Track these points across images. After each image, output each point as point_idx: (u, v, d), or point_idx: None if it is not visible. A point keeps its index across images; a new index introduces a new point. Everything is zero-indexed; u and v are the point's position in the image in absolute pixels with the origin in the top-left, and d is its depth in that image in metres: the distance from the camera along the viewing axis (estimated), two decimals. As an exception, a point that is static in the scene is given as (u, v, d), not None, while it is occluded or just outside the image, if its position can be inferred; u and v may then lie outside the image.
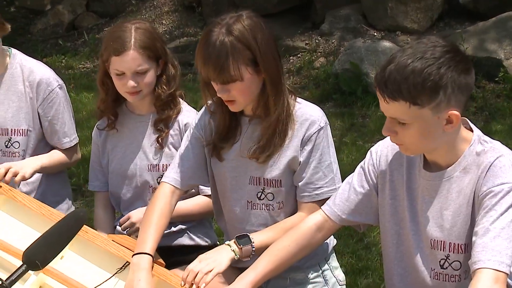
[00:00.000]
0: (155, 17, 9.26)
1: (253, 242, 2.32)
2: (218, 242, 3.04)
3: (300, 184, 2.42)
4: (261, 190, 2.46)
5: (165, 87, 2.75)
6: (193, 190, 2.80)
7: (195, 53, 2.35)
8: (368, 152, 2.28)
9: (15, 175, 2.72)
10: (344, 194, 2.25)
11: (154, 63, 2.71)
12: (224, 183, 2.51)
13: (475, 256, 1.91)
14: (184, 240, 2.86)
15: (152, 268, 2.32)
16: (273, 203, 2.46)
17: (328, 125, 2.46)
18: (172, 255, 2.66)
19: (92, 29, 9.50)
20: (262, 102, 2.37)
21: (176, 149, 2.77)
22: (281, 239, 2.27)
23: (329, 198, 2.34)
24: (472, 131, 2.08)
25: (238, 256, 2.29)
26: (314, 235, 2.25)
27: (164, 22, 9.17)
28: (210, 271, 2.21)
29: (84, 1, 9.89)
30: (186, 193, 2.65)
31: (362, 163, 2.27)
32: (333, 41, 7.86)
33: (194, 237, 2.87)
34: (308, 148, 2.40)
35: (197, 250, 2.83)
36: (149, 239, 2.37)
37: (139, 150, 2.83)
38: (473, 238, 1.95)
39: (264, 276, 2.21)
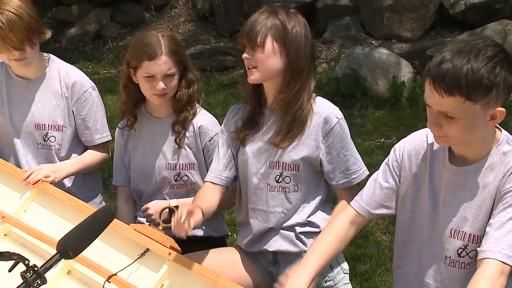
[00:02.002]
0: (173, 27, 9.27)
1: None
2: (229, 233, 3.04)
3: (336, 173, 2.46)
4: (279, 174, 2.46)
5: (184, 90, 2.75)
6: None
7: None
8: (392, 149, 2.24)
9: (47, 177, 2.73)
10: (370, 190, 2.22)
11: (178, 69, 2.72)
12: (247, 168, 2.53)
13: (486, 245, 1.89)
14: (198, 232, 2.85)
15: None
16: (289, 185, 2.47)
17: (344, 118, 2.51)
18: (186, 245, 2.65)
19: (115, 38, 9.53)
20: (281, 86, 2.42)
21: (191, 149, 2.79)
22: (322, 235, 2.23)
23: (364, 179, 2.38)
24: (501, 131, 2.04)
25: None
26: (348, 228, 2.21)
27: (180, 31, 9.18)
28: None
29: (108, 12, 9.92)
30: (227, 188, 2.61)
31: (386, 160, 2.24)
32: (335, 48, 7.85)
33: (207, 229, 2.87)
34: (330, 139, 2.44)
35: (209, 241, 2.84)
36: (204, 203, 2.43)
37: (158, 150, 2.82)
38: (487, 229, 1.92)
39: (316, 273, 2.12)
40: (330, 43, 7.93)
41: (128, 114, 2.84)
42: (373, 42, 7.73)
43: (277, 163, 2.46)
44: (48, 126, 2.93)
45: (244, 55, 2.42)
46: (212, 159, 2.67)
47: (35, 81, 2.93)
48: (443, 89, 1.86)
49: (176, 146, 2.78)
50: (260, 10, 2.45)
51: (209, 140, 2.77)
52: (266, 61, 2.39)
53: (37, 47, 2.85)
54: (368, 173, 2.50)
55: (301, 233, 2.50)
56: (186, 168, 2.80)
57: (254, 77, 2.42)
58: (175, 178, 2.81)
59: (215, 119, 2.85)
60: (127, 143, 2.90)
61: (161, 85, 2.67)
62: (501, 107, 1.91)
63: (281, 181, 2.47)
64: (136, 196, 2.93)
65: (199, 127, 2.78)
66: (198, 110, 2.81)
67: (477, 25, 7.12)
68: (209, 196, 2.52)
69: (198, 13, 9.19)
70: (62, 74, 2.93)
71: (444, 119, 1.92)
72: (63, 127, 2.94)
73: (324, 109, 2.46)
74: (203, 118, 2.80)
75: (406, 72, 6.76)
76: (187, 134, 2.79)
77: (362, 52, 7.00)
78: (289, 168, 2.45)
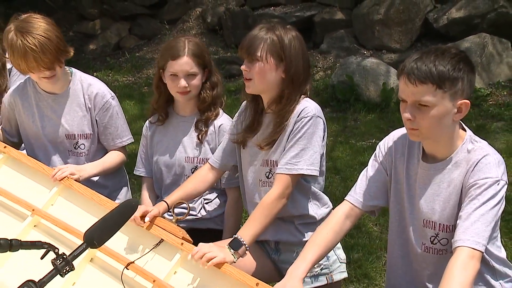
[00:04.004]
0: (185, 39, 9.27)
1: (243, 241, 2.27)
2: (240, 225, 3.04)
3: (279, 159, 2.40)
4: (269, 170, 2.46)
5: (209, 92, 2.78)
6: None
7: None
8: (377, 146, 2.25)
9: (73, 174, 2.73)
10: (362, 184, 2.22)
11: (201, 70, 2.74)
12: (245, 165, 2.54)
13: (457, 235, 1.91)
14: (211, 225, 2.86)
15: (161, 213, 2.49)
16: None
17: (319, 119, 2.38)
18: (202, 236, 2.66)
19: (133, 49, 9.53)
20: (277, 96, 2.40)
21: (209, 145, 2.81)
22: (320, 229, 2.21)
23: (300, 175, 2.36)
24: (465, 131, 2.07)
25: (236, 258, 2.24)
26: (344, 222, 2.20)
27: (192, 43, 9.17)
28: (214, 257, 2.17)
29: (127, 26, 9.93)
30: (223, 172, 2.68)
31: (373, 156, 2.25)
32: (330, 58, 7.85)
33: (219, 222, 2.87)
34: (294, 132, 2.38)
35: (219, 233, 2.84)
36: (174, 195, 2.56)
37: (180, 144, 2.83)
38: (457, 221, 1.95)
39: (313, 264, 2.13)
40: (327, 53, 7.92)
41: (160, 110, 2.87)
42: (365, 52, 7.72)
43: (267, 161, 2.45)
44: (78, 136, 2.93)
45: (242, 67, 2.40)
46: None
47: (61, 95, 2.92)
48: (417, 79, 1.92)
49: (198, 141, 2.80)
50: (259, 25, 2.41)
51: None
52: (263, 75, 2.36)
53: (63, 65, 2.84)
54: (314, 174, 2.39)
55: (299, 224, 2.50)
56: (203, 162, 2.80)
57: (250, 89, 2.41)
58: (191, 171, 2.81)
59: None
60: (153, 137, 2.91)
61: (182, 82, 2.70)
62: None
63: (270, 177, 2.46)
64: (156, 187, 2.93)
65: (220, 126, 2.79)
66: (220, 112, 2.83)
67: (458, 38, 7.11)
68: (200, 178, 2.61)
69: (208, 26, 9.19)
70: (84, 86, 2.93)
71: (417, 109, 1.96)
72: (91, 135, 2.95)
73: (301, 107, 2.39)
74: (224, 119, 2.82)
75: (395, 79, 6.74)
76: (209, 131, 2.80)
77: (355, 61, 6.99)
78: (276, 165, 2.42)
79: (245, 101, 2.60)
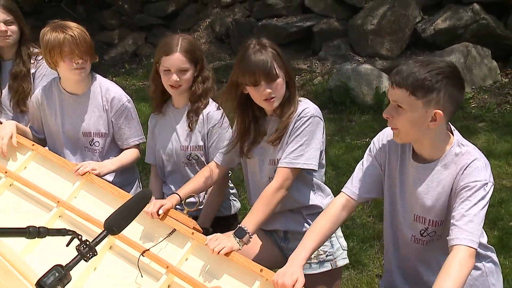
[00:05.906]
0: (196, 47, 9.25)
1: (247, 230, 2.27)
2: (239, 209, 3.03)
3: (282, 154, 2.39)
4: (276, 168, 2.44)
5: (200, 85, 2.73)
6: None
7: (236, 68, 2.38)
8: (371, 142, 2.22)
9: (94, 170, 2.73)
10: (358, 177, 2.20)
11: (193, 66, 2.70)
12: (255, 168, 2.51)
13: (453, 234, 1.89)
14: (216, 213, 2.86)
15: (175, 206, 2.46)
16: None
17: (317, 118, 2.38)
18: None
19: (148, 56, 9.52)
20: (284, 100, 2.38)
21: (200, 132, 2.76)
22: (318, 219, 2.20)
23: (301, 169, 2.34)
24: (453, 135, 2.05)
25: (241, 245, 2.24)
26: (340, 213, 2.19)
27: (202, 50, 9.16)
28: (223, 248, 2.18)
29: (143, 35, 9.92)
30: (229, 168, 2.65)
31: (367, 151, 2.22)
32: (328, 64, 7.83)
33: (221, 209, 2.87)
34: (294, 130, 2.37)
35: (225, 219, 2.84)
36: (185, 188, 2.55)
37: (175, 135, 2.81)
38: (451, 221, 1.93)
39: (312, 251, 2.12)
40: (324, 60, 7.91)
41: (157, 100, 2.84)
42: (359, 59, 7.70)
43: (274, 160, 2.44)
44: (93, 134, 2.94)
45: (265, 92, 2.32)
46: (212, 143, 2.70)
47: (82, 96, 2.93)
48: (395, 82, 1.92)
49: (189, 129, 2.76)
50: (252, 49, 2.33)
51: (212, 126, 2.74)
52: (282, 87, 2.36)
53: (90, 63, 2.85)
54: (316, 169, 2.40)
55: (307, 215, 2.49)
56: (195, 149, 2.78)
57: (275, 104, 2.38)
58: (187, 158, 2.80)
59: (221, 109, 2.75)
60: (154, 129, 2.91)
61: (174, 77, 2.67)
62: (442, 111, 1.92)
63: None
64: (160, 174, 2.93)
65: (207, 113, 2.75)
66: (210, 101, 2.78)
67: (444, 46, 7.10)
68: (208, 174, 2.58)
69: (216, 35, 9.19)
70: (103, 90, 2.94)
71: (395, 110, 1.95)
72: (105, 134, 2.95)
73: (303, 108, 2.39)
74: (211, 108, 2.77)
75: (386, 84, 6.73)
76: (198, 120, 2.76)
77: (350, 67, 6.98)
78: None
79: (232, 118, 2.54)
